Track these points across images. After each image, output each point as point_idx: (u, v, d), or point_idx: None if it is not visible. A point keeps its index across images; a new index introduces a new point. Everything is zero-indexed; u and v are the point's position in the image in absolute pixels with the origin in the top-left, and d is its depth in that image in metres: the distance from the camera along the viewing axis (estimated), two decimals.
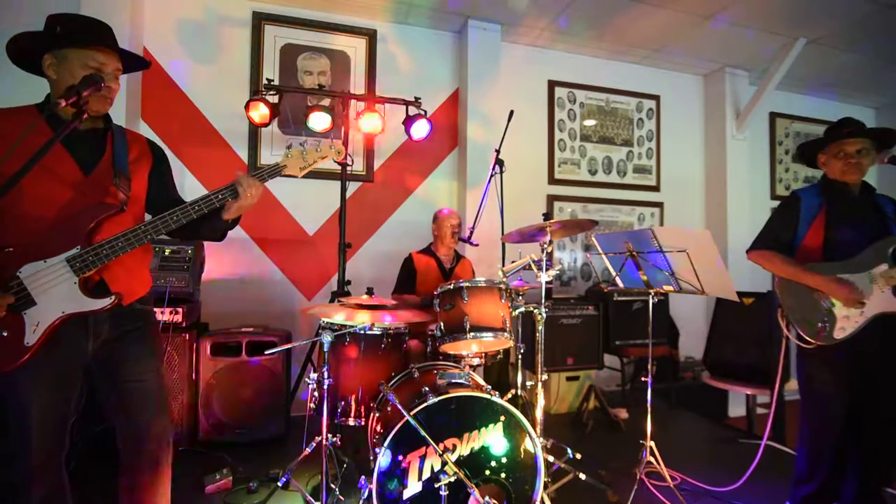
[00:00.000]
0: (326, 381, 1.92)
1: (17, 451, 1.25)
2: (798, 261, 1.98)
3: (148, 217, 1.43)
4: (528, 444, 1.83)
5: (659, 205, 4.65)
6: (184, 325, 2.72)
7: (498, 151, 3.06)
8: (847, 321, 1.85)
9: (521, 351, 2.58)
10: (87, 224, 1.31)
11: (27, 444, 1.24)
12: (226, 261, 3.47)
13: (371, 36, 3.84)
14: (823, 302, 1.91)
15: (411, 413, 1.69)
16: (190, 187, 3.42)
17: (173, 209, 1.37)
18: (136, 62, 1.51)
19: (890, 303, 1.82)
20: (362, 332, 2.15)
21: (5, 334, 1.21)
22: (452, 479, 1.65)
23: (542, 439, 2.12)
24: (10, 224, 1.26)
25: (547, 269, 2.31)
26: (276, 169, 1.51)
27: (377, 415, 2.03)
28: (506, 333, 2.18)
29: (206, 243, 2.96)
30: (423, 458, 1.72)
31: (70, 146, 1.35)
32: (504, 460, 1.80)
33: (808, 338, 1.91)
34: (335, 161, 1.64)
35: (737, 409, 3.98)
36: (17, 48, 1.37)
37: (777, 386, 2.31)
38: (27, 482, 1.24)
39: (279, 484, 2.08)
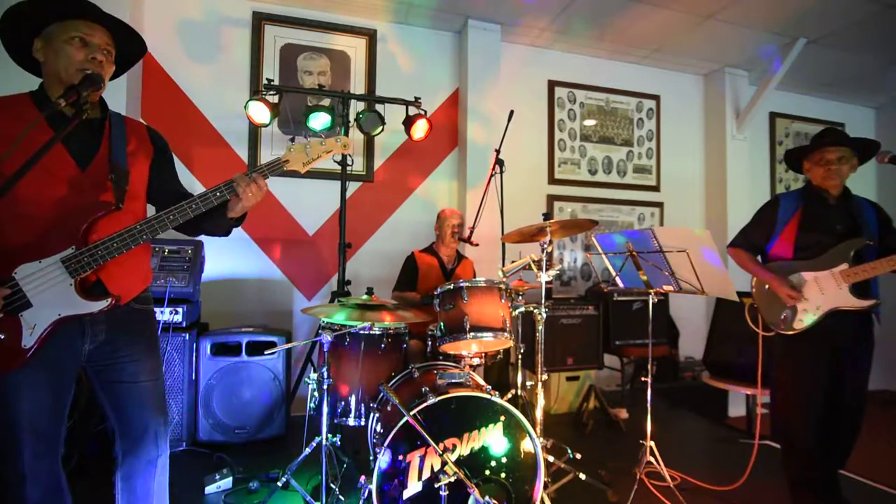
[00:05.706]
0: (326, 381, 1.92)
1: (8, 452, 1.22)
2: (772, 259, 2.21)
3: (150, 209, 1.39)
4: (528, 444, 1.83)
5: (659, 205, 4.65)
6: (184, 325, 2.73)
7: (498, 151, 3.06)
8: (805, 314, 2.05)
9: (521, 351, 2.58)
10: (81, 223, 1.25)
11: (19, 445, 1.22)
12: (226, 261, 3.47)
13: (371, 36, 3.84)
14: None
15: (411, 413, 1.69)
16: (189, 188, 3.38)
17: (169, 209, 1.33)
18: (128, 38, 1.39)
19: (845, 299, 1.99)
20: (362, 332, 2.15)
21: (2, 337, 1.17)
22: (452, 479, 1.65)
23: (542, 439, 2.12)
24: (4, 223, 1.21)
25: (547, 269, 2.31)
26: (277, 164, 1.45)
27: (377, 415, 2.03)
28: (506, 333, 2.18)
29: (205, 243, 2.96)
30: (423, 458, 1.72)
31: (65, 139, 1.27)
32: (504, 460, 1.80)
33: (771, 325, 2.15)
34: (335, 161, 1.61)
35: (737, 409, 3.98)
36: (8, 37, 1.30)
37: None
38: (20, 482, 1.23)
39: (279, 484, 2.08)
